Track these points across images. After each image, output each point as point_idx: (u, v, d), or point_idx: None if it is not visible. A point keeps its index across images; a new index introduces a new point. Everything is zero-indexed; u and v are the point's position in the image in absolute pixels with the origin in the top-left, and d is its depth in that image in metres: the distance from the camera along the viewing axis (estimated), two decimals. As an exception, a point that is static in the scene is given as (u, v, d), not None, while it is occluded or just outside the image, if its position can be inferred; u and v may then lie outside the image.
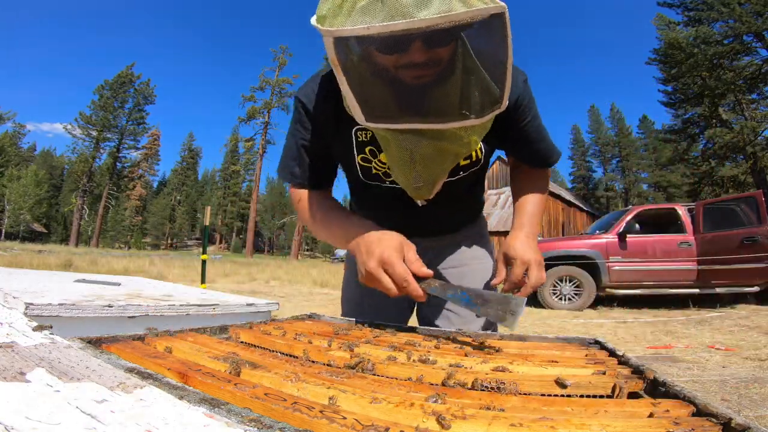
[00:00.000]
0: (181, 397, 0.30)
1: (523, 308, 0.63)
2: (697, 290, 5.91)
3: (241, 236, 55.92)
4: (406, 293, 0.68)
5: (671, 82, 21.72)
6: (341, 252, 41.49)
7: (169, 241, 57.90)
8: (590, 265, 6.09)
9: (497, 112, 0.75)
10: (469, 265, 1.08)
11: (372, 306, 1.11)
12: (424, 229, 1.07)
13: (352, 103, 0.72)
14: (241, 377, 0.40)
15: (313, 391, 0.36)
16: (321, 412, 0.30)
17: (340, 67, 0.67)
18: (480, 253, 1.11)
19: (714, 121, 20.35)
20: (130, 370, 0.36)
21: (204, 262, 5.62)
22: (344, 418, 0.29)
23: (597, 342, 0.66)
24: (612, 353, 0.59)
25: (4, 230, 40.09)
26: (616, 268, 6.06)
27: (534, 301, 6.45)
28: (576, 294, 6.20)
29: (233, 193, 57.70)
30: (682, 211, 6.31)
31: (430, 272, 0.69)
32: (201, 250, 6.00)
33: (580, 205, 23.10)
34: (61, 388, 0.30)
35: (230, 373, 0.41)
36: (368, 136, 0.87)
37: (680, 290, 6.00)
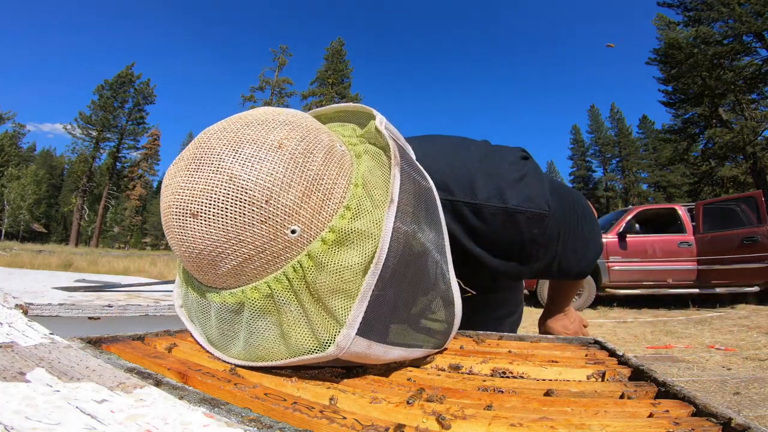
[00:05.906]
0: (181, 397, 0.30)
1: None
2: (697, 290, 5.91)
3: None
4: None
5: (671, 82, 21.74)
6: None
7: (169, 241, 57.90)
8: (590, 265, 6.10)
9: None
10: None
11: None
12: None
13: None
14: (241, 377, 0.40)
15: (313, 391, 0.36)
16: (321, 412, 0.30)
17: None
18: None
19: (714, 121, 20.36)
20: (130, 370, 0.36)
21: (204, 262, 5.62)
22: (344, 418, 0.29)
23: (597, 342, 0.66)
24: (612, 353, 0.59)
25: (3, 230, 40.07)
26: (616, 268, 6.05)
27: (534, 301, 6.45)
28: (576, 294, 6.19)
29: (233, 193, 57.60)
30: (682, 211, 6.31)
31: None
32: (201, 250, 5.99)
33: (580, 205, 23.05)
34: (60, 388, 0.30)
35: (230, 373, 0.41)
36: None
37: (680, 290, 6.00)
